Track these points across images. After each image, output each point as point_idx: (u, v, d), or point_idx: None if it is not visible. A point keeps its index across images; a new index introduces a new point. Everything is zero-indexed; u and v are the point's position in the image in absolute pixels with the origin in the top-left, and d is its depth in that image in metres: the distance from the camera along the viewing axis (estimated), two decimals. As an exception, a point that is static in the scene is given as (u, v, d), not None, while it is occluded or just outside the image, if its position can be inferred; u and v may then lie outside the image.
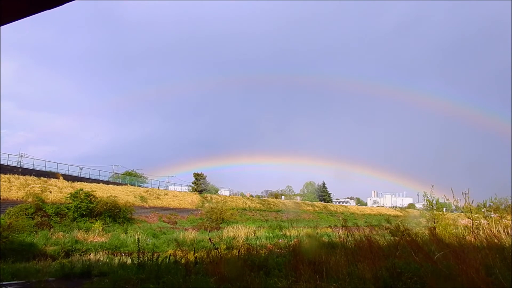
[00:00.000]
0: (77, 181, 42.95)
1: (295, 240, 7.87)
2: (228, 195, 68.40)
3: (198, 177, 62.24)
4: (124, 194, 43.69)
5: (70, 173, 49.06)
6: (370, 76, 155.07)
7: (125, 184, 53.29)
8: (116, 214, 32.83)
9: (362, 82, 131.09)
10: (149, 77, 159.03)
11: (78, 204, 30.36)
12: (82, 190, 32.74)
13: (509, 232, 10.81)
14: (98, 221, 29.97)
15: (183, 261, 7.38)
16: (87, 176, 51.88)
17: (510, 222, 11.63)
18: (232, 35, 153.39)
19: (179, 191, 60.43)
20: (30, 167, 44.81)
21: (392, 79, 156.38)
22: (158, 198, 49.06)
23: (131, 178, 61.11)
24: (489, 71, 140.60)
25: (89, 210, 30.83)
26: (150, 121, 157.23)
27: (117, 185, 50.71)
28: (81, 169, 53.27)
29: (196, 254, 8.55)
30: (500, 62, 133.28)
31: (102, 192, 39.01)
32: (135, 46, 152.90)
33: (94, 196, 32.33)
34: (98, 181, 49.81)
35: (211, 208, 44.60)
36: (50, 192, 34.45)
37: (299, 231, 19.57)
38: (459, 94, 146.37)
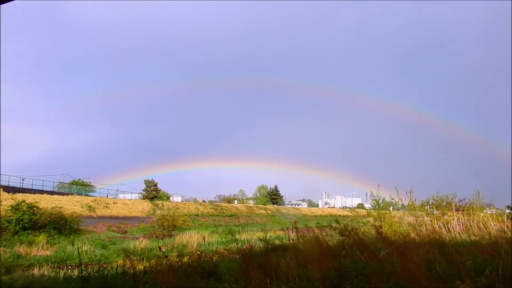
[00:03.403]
0: (19, 192, 40.65)
1: (247, 244, 7.86)
2: (180, 201, 67.48)
3: (149, 184, 60.93)
4: (70, 204, 41.96)
5: (11, 184, 46.45)
6: (324, 78, 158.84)
7: (72, 194, 51.19)
8: (61, 226, 31.42)
9: (316, 84, 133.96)
10: (99, 81, 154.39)
11: (20, 216, 28.81)
12: (24, 201, 31.19)
13: (449, 228, 11.40)
14: (42, 234, 28.57)
15: (131, 271, 7.16)
16: (30, 187, 49.32)
17: (450, 218, 12.27)
18: (190, 38, 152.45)
19: (129, 199, 58.96)
20: (-35, 179, 42.18)
21: (343, 81, 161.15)
22: (107, 207, 47.60)
23: (78, 187, 58.86)
24: (436, 75, 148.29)
25: (32, 223, 29.33)
26: (98, 127, 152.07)
27: (63, 195, 48.74)
28: (23, 179, 50.65)
29: (146, 263, 8.35)
30: (445, 66, 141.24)
31: (46, 203, 37.23)
32: (84, 49, 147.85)
33: (37, 207, 30.88)
34: (42, 192, 47.49)
35: (163, 215, 43.76)
36: (-11, 205, 32.52)
37: (252, 235, 19.65)
38: (407, 97, 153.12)
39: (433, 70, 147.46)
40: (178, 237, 31.87)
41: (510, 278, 4.30)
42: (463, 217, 11.69)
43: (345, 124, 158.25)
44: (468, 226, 11.07)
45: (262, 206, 77.04)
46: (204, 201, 74.61)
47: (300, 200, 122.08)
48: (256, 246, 8.65)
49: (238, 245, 8.04)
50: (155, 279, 6.33)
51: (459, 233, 10.26)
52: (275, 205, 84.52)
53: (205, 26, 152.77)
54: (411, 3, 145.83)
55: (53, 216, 31.07)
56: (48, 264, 20.45)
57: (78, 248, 21.41)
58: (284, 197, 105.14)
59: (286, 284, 5.39)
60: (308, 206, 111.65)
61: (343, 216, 59.30)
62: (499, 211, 14.18)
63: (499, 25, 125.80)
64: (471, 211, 12.34)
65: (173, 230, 39.54)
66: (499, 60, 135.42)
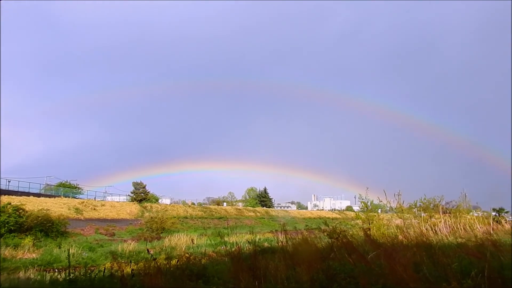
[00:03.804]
0: (4, 195, 40.10)
1: (236, 246, 7.85)
2: (169, 203, 67.20)
3: (137, 186, 60.50)
4: (57, 207, 41.62)
5: (-4, 186, 45.85)
6: (316, 81, 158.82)
7: (59, 196, 50.66)
8: (48, 228, 31.10)
9: (308, 86, 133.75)
10: (87, 82, 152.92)
11: (6, 219, 28.40)
12: (10, 204, 30.78)
13: (436, 230, 11.51)
14: (29, 237, 28.20)
15: (119, 274, 7.10)
16: (16, 189, 48.67)
17: (437, 220, 12.38)
18: (180, 40, 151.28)
19: (117, 201, 58.50)
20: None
21: (335, 83, 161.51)
22: (94, 209, 47.23)
23: (65, 189, 58.25)
24: (426, 77, 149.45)
25: (18, 225, 28.98)
26: (86, 129, 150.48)
27: (50, 197, 48.18)
28: (8, 181, 49.92)
29: (134, 266, 8.29)
30: (436, 69, 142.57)
31: (32, 205, 36.82)
32: (71, 49, 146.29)
33: (23, 210, 30.48)
34: (28, 194, 46.97)
35: (151, 217, 43.50)
36: (-26, 207, 32.03)
37: (241, 238, 19.60)
38: (398, 99, 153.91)
39: (424, 72, 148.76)
40: (167, 240, 31.69)
41: (496, 280, 4.36)
42: (450, 219, 11.84)
43: (336, 126, 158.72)
44: (455, 228, 11.20)
45: (251, 208, 77.03)
46: (193, 204, 74.30)
47: (289, 202, 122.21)
48: (245, 249, 8.65)
49: (227, 248, 8.03)
50: (143, 282, 6.27)
51: (446, 235, 10.37)
52: (264, 208, 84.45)
53: (198, 27, 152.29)
54: (404, 3, 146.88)
55: (39, 218, 30.76)
56: (34, 267, 20.16)
57: (67, 250, 21.18)
58: (273, 200, 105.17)
59: (275, 287, 5.39)
60: (297, 208, 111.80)
61: (332, 219, 59.64)
62: (485, 213, 14.39)
63: (494, 27, 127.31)
64: (457, 214, 12.51)
65: (161, 232, 39.31)
66: (491, 63, 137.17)
